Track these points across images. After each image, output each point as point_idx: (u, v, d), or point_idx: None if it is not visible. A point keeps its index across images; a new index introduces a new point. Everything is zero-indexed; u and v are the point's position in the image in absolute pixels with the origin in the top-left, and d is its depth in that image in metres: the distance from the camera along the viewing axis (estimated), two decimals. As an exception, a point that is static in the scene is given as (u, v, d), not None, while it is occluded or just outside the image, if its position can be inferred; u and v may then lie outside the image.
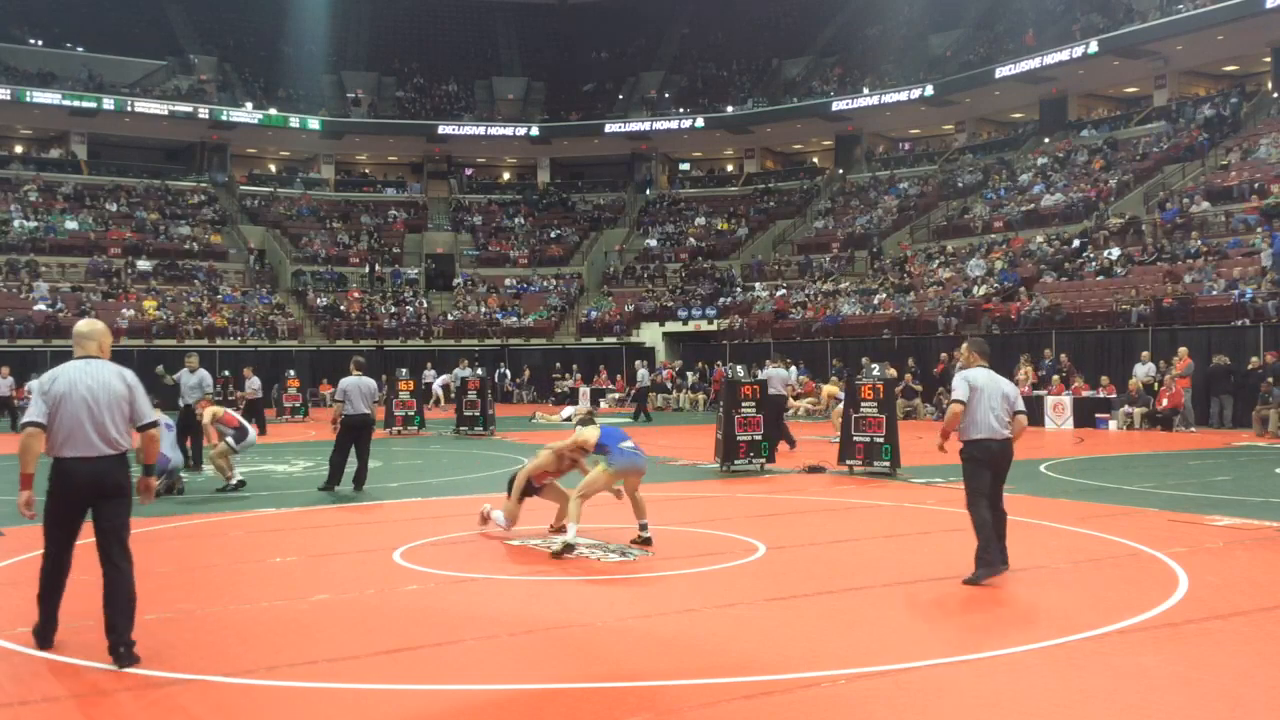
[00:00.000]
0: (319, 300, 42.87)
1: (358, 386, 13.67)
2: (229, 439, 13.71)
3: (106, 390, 5.97)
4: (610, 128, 50.67)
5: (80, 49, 47.63)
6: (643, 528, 9.10)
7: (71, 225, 42.78)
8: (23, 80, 44.58)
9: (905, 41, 48.03)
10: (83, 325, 6.30)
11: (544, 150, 53.40)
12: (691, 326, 41.05)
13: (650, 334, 41.57)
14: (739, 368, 17.04)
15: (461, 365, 29.34)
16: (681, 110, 50.84)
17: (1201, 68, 39.87)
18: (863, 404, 15.04)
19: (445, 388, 33.73)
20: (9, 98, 43.07)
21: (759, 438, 15.56)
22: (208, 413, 14.28)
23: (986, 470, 8.15)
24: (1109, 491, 12.97)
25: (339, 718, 5.08)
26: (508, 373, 38.89)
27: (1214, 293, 25.87)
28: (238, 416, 14.25)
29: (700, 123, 49.51)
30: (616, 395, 36.24)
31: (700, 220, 48.95)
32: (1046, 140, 42.37)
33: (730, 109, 49.78)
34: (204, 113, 46.62)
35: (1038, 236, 34.60)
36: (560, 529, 9.31)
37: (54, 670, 5.76)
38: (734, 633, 6.47)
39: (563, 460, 9.60)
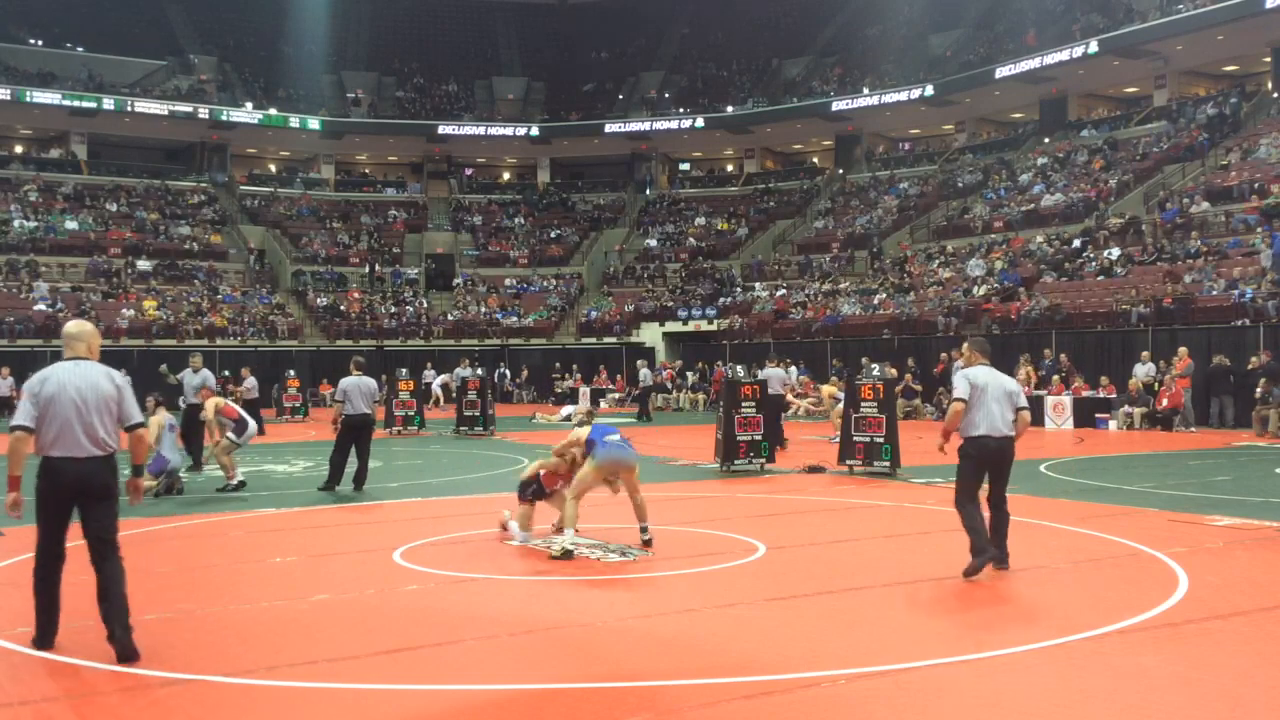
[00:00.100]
0: (319, 300, 42.87)
1: (358, 386, 13.68)
2: (230, 434, 13.73)
3: (95, 391, 6.04)
4: (610, 128, 50.67)
5: (80, 49, 47.64)
6: (643, 530, 9.04)
7: (71, 225, 42.78)
8: (23, 80, 44.58)
9: (905, 41, 48.03)
10: (71, 326, 6.37)
11: (544, 150, 53.40)
12: (691, 326, 41.05)
13: (650, 334, 41.57)
14: (739, 368, 17.05)
15: (463, 365, 29.36)
16: (681, 110, 50.84)
17: (1201, 68, 39.87)
18: (863, 404, 15.03)
19: (445, 387, 33.73)
20: (9, 98, 43.07)
21: (759, 438, 15.56)
22: (210, 404, 14.31)
23: (982, 469, 8.18)
24: (1109, 491, 12.97)
25: (339, 718, 5.08)
26: (507, 373, 38.89)
27: (1214, 293, 25.87)
28: (237, 408, 14.24)
29: (700, 123, 49.51)
30: (616, 395, 36.24)
31: (700, 220, 48.96)
32: (1046, 140, 42.37)
33: (730, 109, 49.78)
34: (204, 113, 46.63)
35: (1038, 236, 34.61)
36: (561, 530, 9.29)
37: (54, 670, 5.76)
38: (734, 633, 6.47)
39: (567, 459, 9.52)
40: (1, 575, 8.01)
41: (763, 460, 15.60)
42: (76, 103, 44.22)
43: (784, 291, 39.84)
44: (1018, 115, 45.41)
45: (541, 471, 9.49)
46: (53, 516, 6.02)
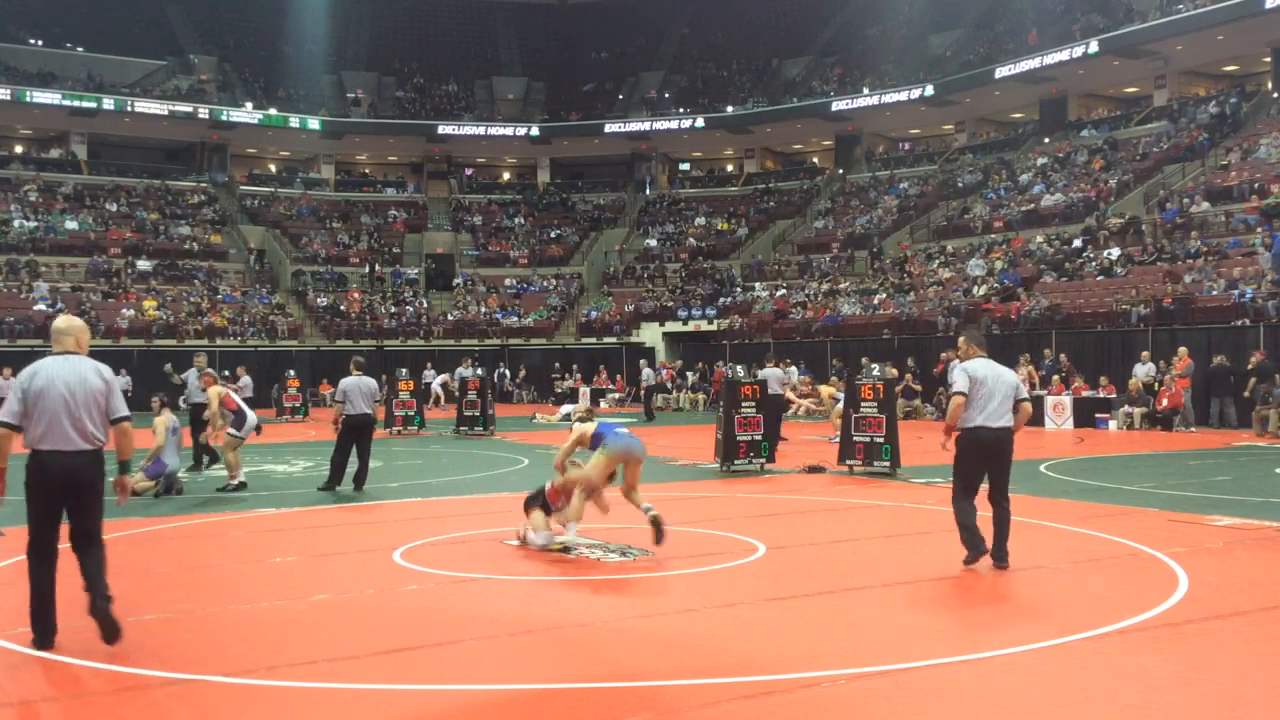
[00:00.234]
0: (319, 300, 42.87)
1: (358, 386, 13.68)
2: (230, 429, 13.76)
3: (84, 386, 6.13)
4: (610, 128, 50.66)
5: (80, 49, 47.63)
6: (647, 509, 8.73)
7: (71, 225, 42.78)
8: (23, 80, 44.58)
9: (905, 41, 48.03)
10: (60, 322, 6.49)
11: (544, 150, 53.40)
12: (691, 326, 41.05)
13: (650, 334, 41.57)
14: (739, 368, 17.05)
15: (465, 365, 29.34)
16: (681, 110, 50.84)
17: (1201, 68, 39.88)
18: (863, 404, 15.03)
19: (445, 387, 33.72)
20: (9, 98, 43.07)
21: (759, 438, 15.56)
22: (213, 392, 14.34)
23: (978, 460, 8.23)
24: (1109, 491, 12.97)
25: (339, 718, 5.08)
26: (507, 373, 38.89)
27: (1214, 293, 25.88)
28: (237, 399, 14.24)
29: (700, 123, 49.51)
30: (616, 395, 36.24)
31: (700, 220, 48.96)
32: (1046, 140, 42.38)
33: (730, 109, 49.78)
34: (204, 113, 46.62)
35: (1038, 236, 34.61)
36: (564, 524, 9.22)
37: (53, 670, 5.76)
38: (734, 633, 6.47)
39: (568, 474, 9.28)
40: (1, 575, 8.01)
41: (763, 460, 15.60)
42: (76, 103, 44.22)
43: (784, 291, 39.84)
44: (1018, 115, 45.42)
45: (547, 486, 9.31)
46: (43, 511, 6.09)
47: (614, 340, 41.36)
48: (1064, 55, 38.75)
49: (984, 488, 8.40)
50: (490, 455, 18.76)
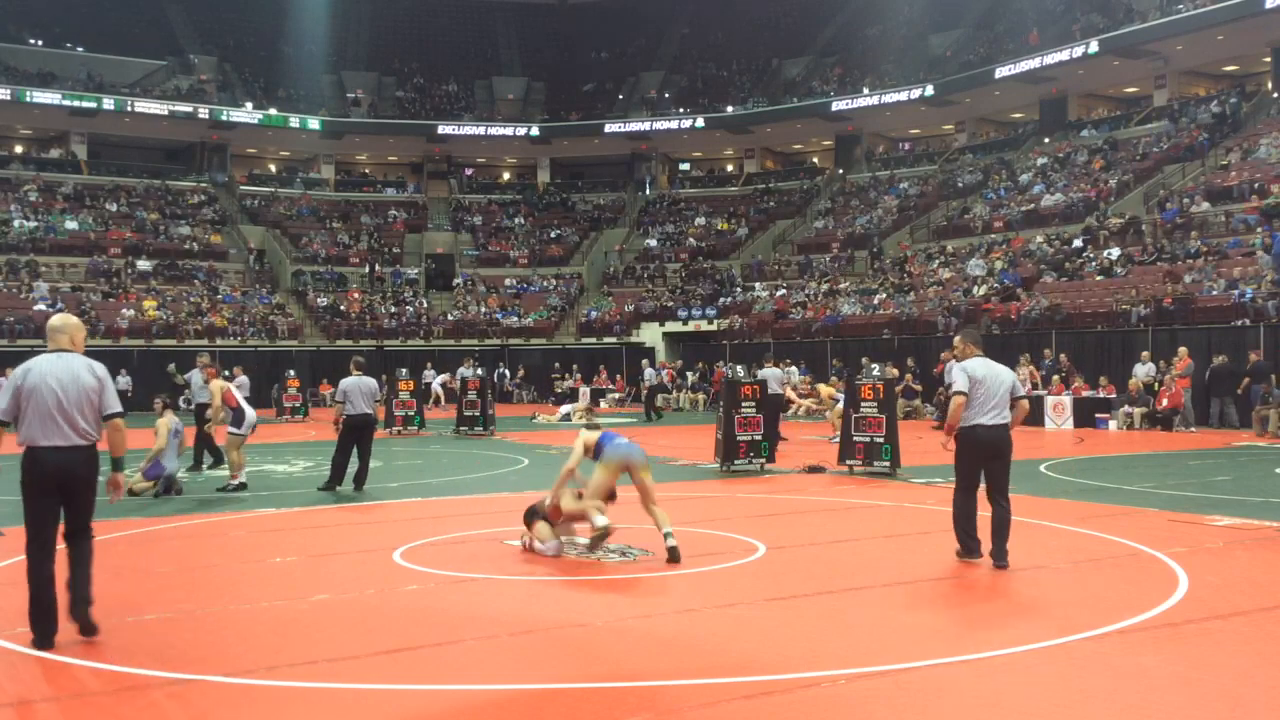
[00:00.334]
0: (319, 300, 42.87)
1: (358, 386, 13.68)
2: (231, 429, 13.77)
3: (76, 383, 6.19)
4: (610, 128, 50.66)
5: (80, 49, 47.63)
6: (667, 536, 8.55)
7: (71, 225, 42.78)
8: (23, 80, 44.58)
9: (905, 41, 48.04)
10: (56, 320, 6.54)
11: (544, 150, 53.39)
12: (691, 326, 41.05)
13: (650, 334, 41.57)
14: (739, 368, 17.04)
15: (466, 365, 29.37)
16: (681, 110, 50.84)
17: (1201, 68, 39.88)
18: (863, 404, 15.03)
19: (446, 386, 33.70)
20: (9, 98, 43.06)
21: (759, 438, 15.55)
22: (215, 385, 14.34)
23: (977, 458, 8.32)
24: (1109, 491, 12.97)
25: (339, 718, 5.08)
26: (507, 373, 38.89)
27: (1214, 293, 25.87)
28: (237, 396, 14.23)
29: (700, 123, 49.51)
30: (616, 395, 36.24)
31: (700, 220, 48.96)
32: (1046, 140, 42.38)
33: (730, 109, 49.78)
34: (204, 113, 46.62)
35: (1038, 236, 34.61)
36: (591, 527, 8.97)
37: (53, 670, 5.76)
38: (734, 633, 6.47)
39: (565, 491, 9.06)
40: (1, 575, 8.01)
41: (763, 460, 15.60)
42: (76, 103, 44.22)
43: (784, 291, 39.84)
44: (1018, 115, 45.42)
45: (546, 502, 9.12)
46: (40, 506, 6.15)
47: (614, 340, 41.36)
48: (1064, 55, 38.76)
49: (983, 487, 8.45)
50: (490, 455, 18.75)
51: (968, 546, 8.39)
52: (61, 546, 6.18)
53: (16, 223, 41.39)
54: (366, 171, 55.02)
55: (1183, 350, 23.33)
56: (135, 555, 9.21)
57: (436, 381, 34.42)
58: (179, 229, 44.77)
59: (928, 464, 14.81)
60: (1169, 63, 38.85)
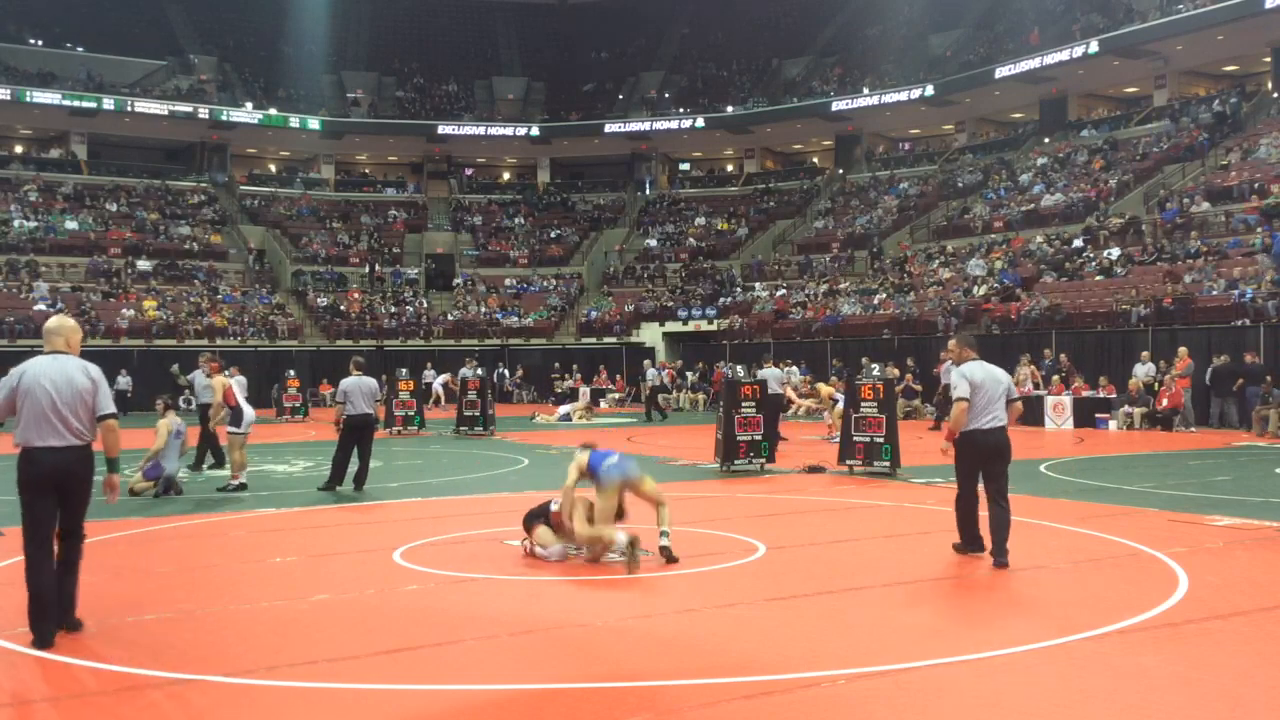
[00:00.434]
0: (319, 300, 42.87)
1: (358, 386, 13.68)
2: (230, 428, 13.78)
3: (70, 385, 6.26)
4: (610, 128, 50.66)
5: (80, 49, 47.63)
6: (663, 533, 8.60)
7: (71, 225, 42.78)
8: (23, 80, 44.58)
9: (905, 41, 48.04)
10: (52, 322, 6.61)
11: (544, 150, 53.40)
12: (691, 326, 41.05)
13: (650, 334, 41.57)
14: (739, 367, 17.04)
15: (468, 364, 29.37)
16: (681, 110, 50.84)
17: (1201, 68, 39.88)
18: (863, 404, 15.02)
19: (447, 386, 33.68)
20: (9, 98, 43.07)
21: (759, 438, 15.55)
22: (217, 381, 14.33)
23: (977, 461, 8.43)
24: (1109, 491, 12.97)
25: (339, 718, 5.08)
26: (506, 373, 38.89)
27: (1214, 293, 25.87)
28: (237, 394, 14.23)
29: (700, 123, 49.51)
30: (617, 395, 36.23)
31: (700, 220, 48.96)
32: (1046, 140, 42.38)
33: (730, 109, 49.78)
34: (204, 113, 46.62)
35: (1038, 236, 34.61)
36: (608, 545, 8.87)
37: (53, 670, 5.75)
38: (734, 633, 6.47)
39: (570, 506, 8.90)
40: (1, 575, 8.01)
41: (763, 460, 15.60)
42: (76, 103, 44.22)
43: (784, 291, 39.84)
44: (1018, 115, 45.42)
45: (553, 507, 9.02)
46: (37, 506, 6.19)
47: (614, 340, 41.36)
48: (1064, 55, 38.76)
49: (982, 487, 8.54)
50: (490, 455, 18.75)
51: (968, 538, 8.56)
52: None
53: (16, 223, 41.39)
54: (366, 171, 55.02)
55: (1183, 350, 23.33)
56: (135, 555, 9.21)
57: (438, 381, 34.41)
58: (179, 229, 44.77)
59: (928, 464, 14.81)
60: (1169, 63, 38.86)
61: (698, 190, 52.57)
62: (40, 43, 47.61)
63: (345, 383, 13.74)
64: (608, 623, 6.71)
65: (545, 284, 46.48)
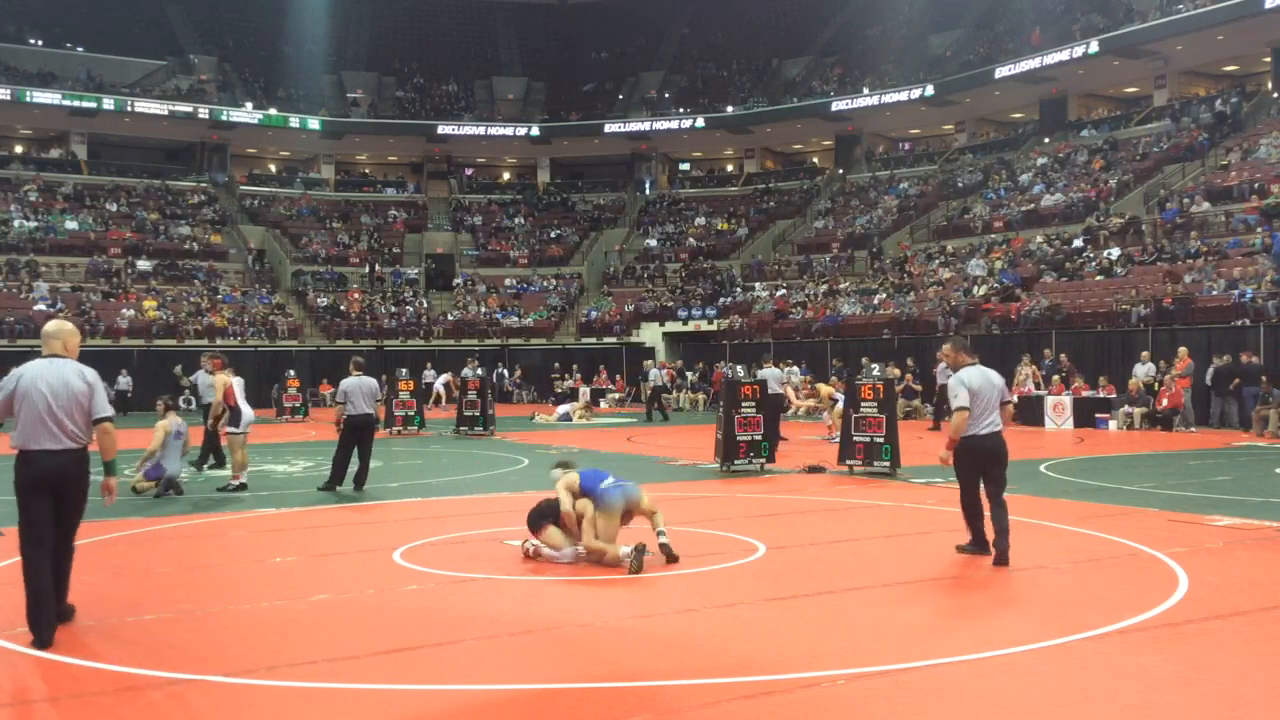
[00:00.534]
0: (319, 300, 42.87)
1: (359, 387, 13.68)
2: (230, 428, 13.78)
3: (66, 389, 6.30)
4: (610, 128, 50.66)
5: (80, 49, 47.63)
6: (660, 532, 8.57)
7: (71, 225, 42.78)
8: (23, 80, 44.58)
9: (905, 41, 48.04)
10: (50, 326, 6.67)
11: (544, 150, 53.40)
12: (691, 326, 41.05)
13: (650, 334, 41.57)
14: (739, 368, 17.04)
15: (469, 364, 29.39)
16: (681, 110, 50.84)
17: (1201, 68, 39.88)
18: (863, 404, 15.02)
19: (447, 386, 33.68)
20: (9, 98, 43.07)
21: (759, 438, 15.55)
22: (219, 378, 14.32)
23: (976, 465, 8.53)
24: (1109, 491, 12.96)
25: (339, 718, 5.07)
26: (506, 373, 38.88)
27: (1214, 293, 25.87)
28: (236, 392, 14.22)
29: (700, 123, 49.51)
30: (617, 395, 36.23)
31: (700, 220, 48.96)
32: (1046, 140, 42.38)
33: (730, 109, 49.78)
34: (204, 113, 46.62)
35: (1038, 236, 34.61)
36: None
37: (53, 670, 5.75)
38: (734, 633, 6.47)
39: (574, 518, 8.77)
40: (1, 575, 8.01)
41: (763, 460, 15.60)
42: (76, 103, 44.22)
43: (784, 291, 39.84)
44: (1018, 115, 45.42)
45: (563, 508, 8.90)
46: (35, 507, 6.22)
47: (614, 340, 41.36)
48: (1064, 55, 38.76)
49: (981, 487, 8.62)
50: (490, 455, 18.75)
51: (977, 543, 8.60)
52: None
53: (16, 223, 41.39)
54: (366, 171, 55.03)
55: (1183, 350, 23.33)
56: (135, 555, 9.21)
57: (439, 381, 34.41)
58: (179, 229, 44.77)
59: (928, 464, 14.80)
60: (1169, 63, 38.86)
61: (698, 190, 52.57)
62: (40, 43, 47.61)
63: (345, 383, 13.74)
64: (608, 623, 6.71)
65: (545, 284, 46.48)
